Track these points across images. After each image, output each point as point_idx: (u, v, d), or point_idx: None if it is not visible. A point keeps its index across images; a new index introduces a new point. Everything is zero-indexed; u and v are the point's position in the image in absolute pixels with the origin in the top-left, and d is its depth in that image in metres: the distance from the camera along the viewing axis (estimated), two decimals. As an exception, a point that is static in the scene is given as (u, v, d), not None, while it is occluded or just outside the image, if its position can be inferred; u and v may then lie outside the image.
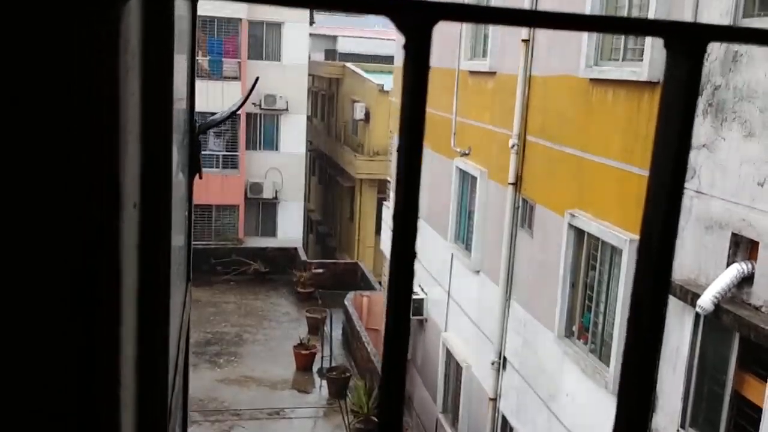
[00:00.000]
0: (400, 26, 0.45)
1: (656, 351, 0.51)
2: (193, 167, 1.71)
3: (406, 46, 0.45)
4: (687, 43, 0.48)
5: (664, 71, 0.50)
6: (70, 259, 0.46)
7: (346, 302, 20.54)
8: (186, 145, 1.56)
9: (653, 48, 7.64)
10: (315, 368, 18.82)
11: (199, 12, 24.99)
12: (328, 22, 45.18)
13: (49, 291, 0.46)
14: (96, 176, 0.46)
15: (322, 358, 18.67)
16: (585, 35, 9.01)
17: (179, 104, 1.47)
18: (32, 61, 0.43)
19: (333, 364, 18.40)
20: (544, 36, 10.38)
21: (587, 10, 8.98)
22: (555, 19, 0.48)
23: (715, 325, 6.65)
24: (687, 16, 7.15)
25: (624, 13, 8.54)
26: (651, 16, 7.67)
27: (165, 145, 0.80)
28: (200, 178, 1.83)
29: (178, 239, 1.46)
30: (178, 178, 1.44)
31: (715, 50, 6.83)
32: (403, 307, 0.47)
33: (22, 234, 0.46)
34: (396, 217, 0.47)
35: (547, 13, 0.47)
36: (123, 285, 0.53)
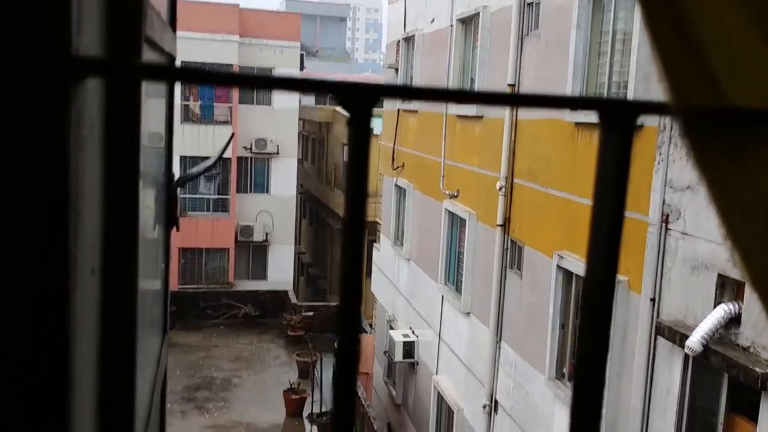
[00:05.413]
0: (344, 105, 0.48)
1: (602, 383, 0.53)
2: (170, 220, 1.73)
3: (349, 122, 0.48)
4: (619, 117, 0.51)
5: (598, 144, 0.52)
6: (16, 321, 0.48)
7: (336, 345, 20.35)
8: (162, 199, 1.58)
9: (636, 91, 7.78)
10: (305, 413, 18.58)
11: (191, 59, 25.25)
12: (319, 67, 45.69)
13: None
14: (43, 242, 0.48)
15: (312, 402, 18.45)
16: (569, 80, 9.17)
17: (156, 158, 1.49)
18: None
19: (323, 409, 18.17)
20: (529, 80, 10.55)
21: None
22: (490, 98, 0.50)
23: (705, 367, 6.64)
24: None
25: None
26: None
27: (130, 212, 0.82)
28: (177, 230, 1.85)
29: (151, 294, 1.47)
30: (154, 232, 1.45)
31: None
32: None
33: None
34: (341, 286, 0.50)
35: (480, 93, 0.49)
36: (75, 352, 0.54)
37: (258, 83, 0.50)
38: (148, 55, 1.03)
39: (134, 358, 0.85)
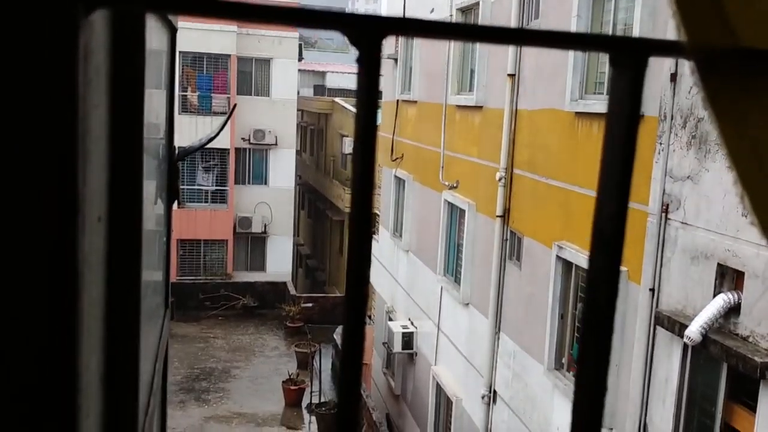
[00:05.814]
0: (352, 40, 0.47)
1: (608, 358, 0.52)
2: (172, 194, 1.72)
3: (359, 59, 0.47)
4: (630, 56, 0.50)
5: (609, 85, 0.51)
6: (24, 263, 0.47)
7: (335, 336, 20.39)
8: (164, 172, 1.57)
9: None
10: (304, 404, 18.61)
11: (189, 48, 25.20)
12: (317, 58, 45.60)
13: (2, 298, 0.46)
14: (50, 179, 0.47)
15: (311, 393, 18.48)
16: (570, 70, 9.14)
17: (157, 131, 1.48)
18: None
19: (322, 400, 18.21)
20: (529, 71, 10.52)
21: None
22: (497, 35, 0.49)
23: (704, 356, 6.65)
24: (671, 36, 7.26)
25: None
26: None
27: (135, 161, 0.81)
28: (179, 206, 1.84)
29: (153, 260, 1.46)
30: (157, 203, 1.44)
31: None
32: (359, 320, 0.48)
33: None
34: (351, 223, 0.49)
35: (489, 27, 0.48)
36: (84, 291, 0.53)
37: (263, 15, 0.48)
38: (149, 17, 1.02)
39: (139, 298, 0.84)
